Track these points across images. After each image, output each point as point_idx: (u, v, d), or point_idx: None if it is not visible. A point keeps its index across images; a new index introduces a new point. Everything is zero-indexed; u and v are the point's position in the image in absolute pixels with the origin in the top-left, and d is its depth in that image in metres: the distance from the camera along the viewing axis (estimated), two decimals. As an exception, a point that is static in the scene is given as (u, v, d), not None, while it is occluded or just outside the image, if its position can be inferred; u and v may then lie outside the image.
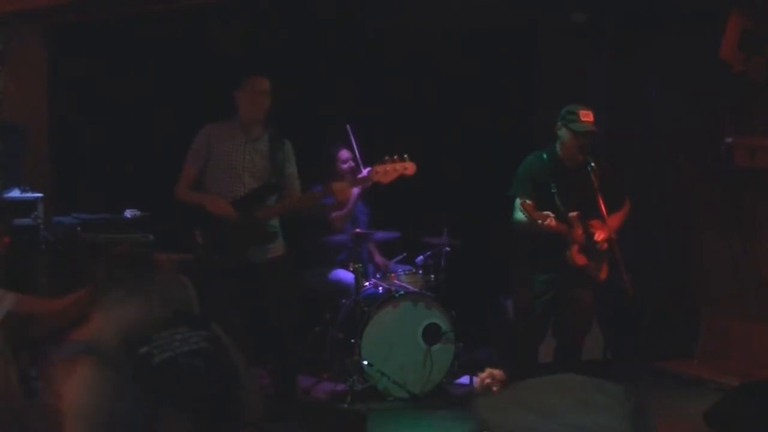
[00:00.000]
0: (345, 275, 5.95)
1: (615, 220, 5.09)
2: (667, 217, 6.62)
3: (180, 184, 4.94)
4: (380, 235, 6.13)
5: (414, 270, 5.98)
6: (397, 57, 6.69)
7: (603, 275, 5.11)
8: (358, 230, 5.78)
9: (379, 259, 6.33)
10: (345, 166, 6.03)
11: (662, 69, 6.61)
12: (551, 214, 4.78)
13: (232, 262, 4.80)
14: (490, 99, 6.90)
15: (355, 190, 5.40)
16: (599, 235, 5.00)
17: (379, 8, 6.25)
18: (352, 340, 5.41)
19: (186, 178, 4.95)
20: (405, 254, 6.33)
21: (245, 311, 4.90)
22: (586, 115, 4.98)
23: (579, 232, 4.97)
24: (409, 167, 4.88)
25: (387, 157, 4.89)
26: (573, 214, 4.95)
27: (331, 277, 6.02)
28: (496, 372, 5.29)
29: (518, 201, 4.89)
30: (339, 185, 4.91)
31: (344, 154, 6.04)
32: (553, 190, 4.96)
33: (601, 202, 4.92)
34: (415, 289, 5.72)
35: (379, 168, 4.87)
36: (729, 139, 6.05)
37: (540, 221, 4.72)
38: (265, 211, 4.88)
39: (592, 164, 5.00)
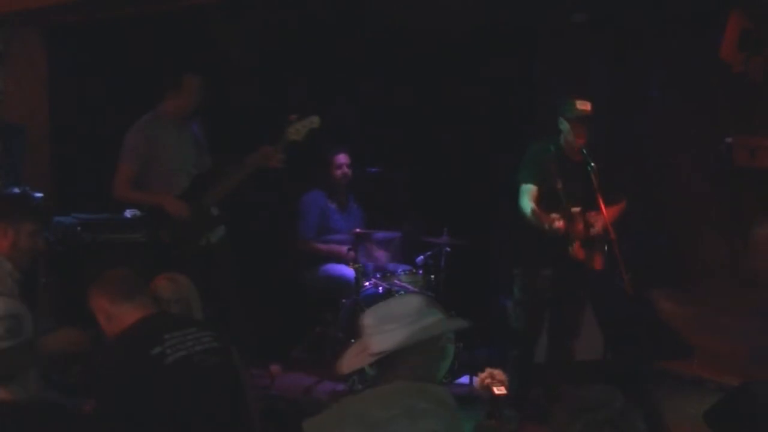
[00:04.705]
0: (345, 270, 5.95)
1: (611, 212, 5.09)
2: (667, 217, 6.61)
3: (120, 185, 5.10)
4: (380, 234, 6.12)
5: (414, 270, 5.97)
6: (396, 57, 6.68)
7: (598, 265, 5.11)
8: (358, 230, 5.79)
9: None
10: (339, 171, 6.05)
11: (662, 69, 6.60)
12: (558, 216, 4.78)
13: (194, 251, 5.10)
14: (490, 99, 6.89)
15: (380, 255, 5.82)
16: (595, 222, 5.01)
17: (378, 8, 6.25)
18: (352, 340, 5.38)
19: (127, 177, 5.11)
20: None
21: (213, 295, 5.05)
22: (583, 104, 5.01)
23: (580, 227, 4.97)
24: (315, 121, 5.15)
25: (293, 116, 5.14)
26: (576, 209, 4.95)
27: (329, 271, 6.02)
28: (496, 372, 5.23)
29: (524, 190, 4.93)
30: (265, 149, 5.14)
31: (340, 158, 6.06)
32: (558, 184, 4.96)
33: (600, 201, 4.92)
34: (415, 289, 5.71)
35: (291, 129, 5.11)
36: (729, 139, 6.03)
37: (548, 225, 4.74)
38: (211, 197, 5.16)
39: (592, 164, 5.00)
